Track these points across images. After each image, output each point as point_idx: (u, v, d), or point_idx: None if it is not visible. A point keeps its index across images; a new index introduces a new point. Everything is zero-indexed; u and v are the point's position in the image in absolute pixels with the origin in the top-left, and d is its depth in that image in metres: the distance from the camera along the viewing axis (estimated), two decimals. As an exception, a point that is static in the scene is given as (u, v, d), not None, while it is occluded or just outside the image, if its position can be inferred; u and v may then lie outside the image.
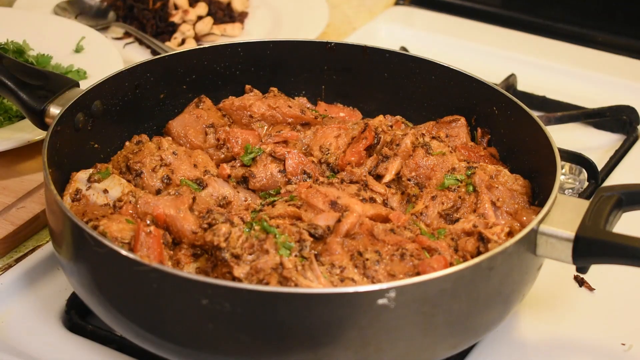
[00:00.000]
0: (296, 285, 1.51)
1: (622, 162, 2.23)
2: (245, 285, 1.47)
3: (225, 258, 1.55)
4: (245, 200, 1.80)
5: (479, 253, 1.61)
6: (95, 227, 1.62)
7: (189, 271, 1.61)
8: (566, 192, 2.13)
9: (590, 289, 1.86)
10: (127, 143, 1.91)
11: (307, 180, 1.83)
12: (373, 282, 1.57)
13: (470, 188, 1.76)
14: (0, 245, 1.91)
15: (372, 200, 1.75)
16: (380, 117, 2.01)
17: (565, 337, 1.76)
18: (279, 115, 1.96)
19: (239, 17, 2.75)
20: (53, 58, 2.33)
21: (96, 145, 1.89)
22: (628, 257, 1.54)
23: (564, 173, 2.17)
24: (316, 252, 1.60)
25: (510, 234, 1.65)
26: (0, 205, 1.98)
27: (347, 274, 1.57)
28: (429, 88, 2.02)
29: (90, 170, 1.78)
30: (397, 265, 1.59)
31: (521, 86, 2.48)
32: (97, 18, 2.68)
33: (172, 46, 2.58)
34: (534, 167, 1.80)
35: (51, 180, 1.63)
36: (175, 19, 2.65)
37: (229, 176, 1.84)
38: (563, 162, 2.12)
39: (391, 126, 1.95)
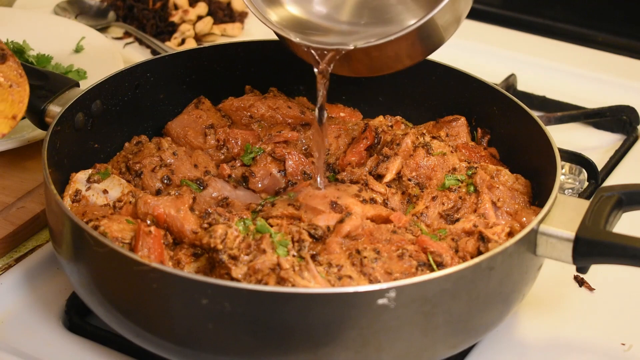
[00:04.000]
0: (293, 285, 1.50)
1: (622, 162, 2.22)
2: (245, 285, 1.47)
3: (222, 260, 1.54)
4: (248, 201, 1.80)
5: (479, 253, 1.61)
6: (95, 227, 1.62)
7: (189, 271, 1.61)
8: (566, 192, 2.13)
9: (590, 289, 1.86)
10: (126, 144, 1.90)
11: (308, 180, 1.83)
12: (370, 280, 1.57)
13: (472, 188, 1.76)
14: (0, 245, 1.91)
15: (373, 201, 1.75)
16: (381, 117, 2.00)
17: (565, 337, 1.76)
18: (279, 116, 1.96)
19: (239, 17, 2.75)
20: (53, 58, 2.33)
21: (96, 145, 1.89)
22: (628, 257, 1.54)
23: (564, 173, 2.17)
24: (314, 252, 1.60)
25: (510, 234, 1.65)
26: (0, 205, 1.98)
27: (344, 271, 1.57)
28: (429, 88, 2.02)
29: (89, 171, 1.77)
30: (395, 263, 1.59)
31: (521, 86, 2.48)
32: (97, 18, 2.68)
33: (172, 46, 2.57)
34: (534, 167, 1.80)
35: (51, 180, 1.63)
36: (175, 19, 2.65)
37: (229, 176, 1.84)
38: (563, 162, 2.12)
39: (391, 126, 1.95)
